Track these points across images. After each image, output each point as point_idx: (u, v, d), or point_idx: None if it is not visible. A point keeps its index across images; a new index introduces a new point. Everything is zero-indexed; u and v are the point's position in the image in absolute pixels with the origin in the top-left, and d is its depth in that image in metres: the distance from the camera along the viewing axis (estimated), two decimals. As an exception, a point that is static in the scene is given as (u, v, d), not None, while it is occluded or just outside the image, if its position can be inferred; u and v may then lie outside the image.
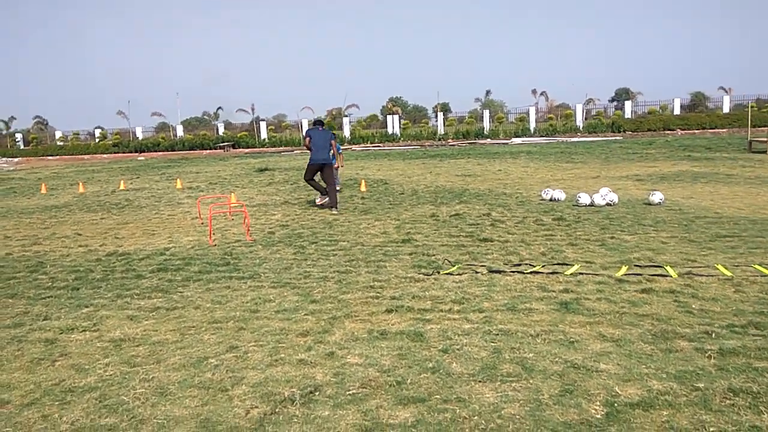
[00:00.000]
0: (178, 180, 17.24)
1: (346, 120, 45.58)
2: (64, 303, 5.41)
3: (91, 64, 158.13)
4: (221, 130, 46.80)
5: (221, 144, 42.21)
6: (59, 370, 3.88)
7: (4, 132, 56.95)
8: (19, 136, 49.34)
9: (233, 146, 42.49)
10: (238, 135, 44.69)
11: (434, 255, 6.70)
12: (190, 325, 4.66)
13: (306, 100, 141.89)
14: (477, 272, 5.82)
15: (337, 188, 13.54)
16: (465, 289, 5.25)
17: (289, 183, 16.37)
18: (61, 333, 4.59)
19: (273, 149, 40.82)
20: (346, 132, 44.02)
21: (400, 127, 44.60)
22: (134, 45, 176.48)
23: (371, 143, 41.69)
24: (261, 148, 41.83)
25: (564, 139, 35.54)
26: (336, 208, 10.59)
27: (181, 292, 5.62)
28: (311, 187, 11.50)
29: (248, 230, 8.57)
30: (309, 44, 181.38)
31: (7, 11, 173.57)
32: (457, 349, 3.89)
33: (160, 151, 41.81)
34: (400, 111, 51.22)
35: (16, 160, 40.55)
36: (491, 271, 5.82)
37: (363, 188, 13.73)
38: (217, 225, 9.43)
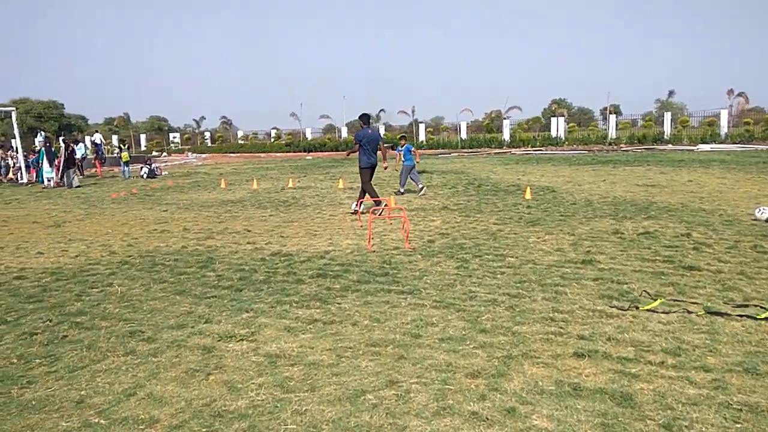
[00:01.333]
0: (341, 180, 17.56)
1: (506, 122, 44.03)
2: (227, 305, 5.32)
3: (273, 69, 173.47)
4: (382, 132, 47.94)
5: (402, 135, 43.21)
6: (212, 386, 3.62)
7: (196, 130, 64.29)
8: (207, 134, 55.30)
9: (392, 147, 43.26)
10: (398, 137, 45.42)
11: (626, 283, 5.59)
12: (347, 345, 4.21)
13: (466, 101, 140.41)
14: (690, 312, 4.65)
15: (420, 186, 14.09)
16: (678, 335, 4.15)
17: (447, 186, 15.79)
18: (219, 340, 4.41)
19: (430, 151, 40.80)
20: (506, 135, 42.52)
21: (565, 130, 41.98)
22: (309, 50, 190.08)
23: (532, 147, 39.76)
24: (418, 150, 42.03)
25: (764, 147, 30.56)
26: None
27: (338, 303, 5.24)
28: (367, 193, 11.19)
29: (407, 237, 8.09)
30: (470, 45, 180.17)
31: (198, 28, 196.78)
32: (685, 427, 2.91)
33: (326, 151, 44.01)
34: (565, 113, 48.22)
35: (203, 155, 45.33)
36: (710, 313, 4.61)
37: (528, 196, 12.66)
38: (376, 229, 9.12)
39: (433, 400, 3.30)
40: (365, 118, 11.43)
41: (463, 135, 43.72)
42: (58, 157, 20.71)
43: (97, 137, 31.03)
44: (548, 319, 4.62)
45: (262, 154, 44.67)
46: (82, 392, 3.58)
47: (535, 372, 3.63)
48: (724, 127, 37.36)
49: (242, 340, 4.41)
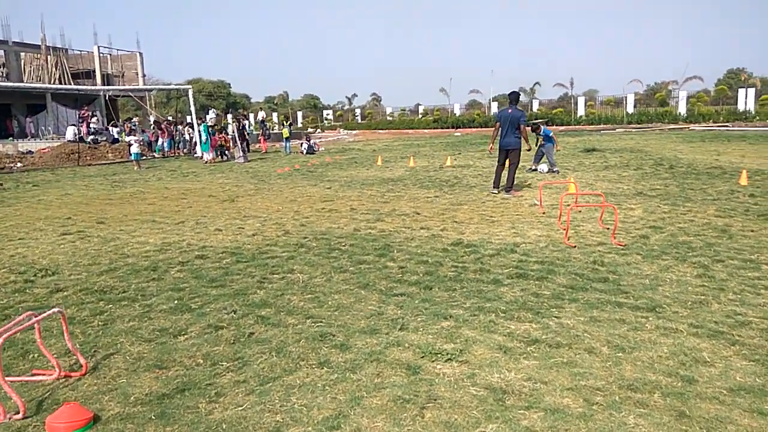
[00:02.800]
0: (504, 158, 16.27)
1: (682, 94, 39.07)
2: (419, 307, 4.56)
3: (422, 44, 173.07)
4: (535, 107, 45.26)
5: (534, 121, 40.74)
6: (431, 428, 2.83)
7: (347, 107, 66.08)
8: (358, 111, 56.46)
9: (547, 123, 40.65)
10: (553, 111, 42.52)
11: None
12: (592, 385, 3.20)
13: (635, 72, 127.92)
14: None
15: (555, 169, 13.76)
16: None
17: (630, 167, 13.86)
18: (423, 357, 3.63)
19: (591, 127, 37.54)
20: (682, 108, 37.75)
21: (755, 103, 36.18)
22: (455, 26, 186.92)
23: (714, 122, 34.82)
24: (576, 126, 38.95)
25: None
26: (509, 191, 10.35)
27: (556, 317, 4.23)
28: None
29: (614, 231, 6.78)
30: (627, 9, 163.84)
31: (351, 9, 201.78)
32: None
33: (474, 128, 42.56)
34: (758, 83, 41.67)
35: (354, 132, 46.24)
36: None
37: (744, 181, 10.49)
38: (557, 214, 7.86)
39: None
40: (514, 96, 10.76)
41: (630, 109, 39.64)
42: (221, 133, 21.83)
43: (261, 115, 32.71)
44: None
45: (410, 131, 44.38)
46: (278, 417, 2.99)
47: None
48: None
49: (450, 359, 3.59)
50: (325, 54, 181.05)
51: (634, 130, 32.94)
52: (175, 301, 4.93)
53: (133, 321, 4.48)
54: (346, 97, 71.03)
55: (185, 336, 4.16)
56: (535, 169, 14.13)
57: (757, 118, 34.49)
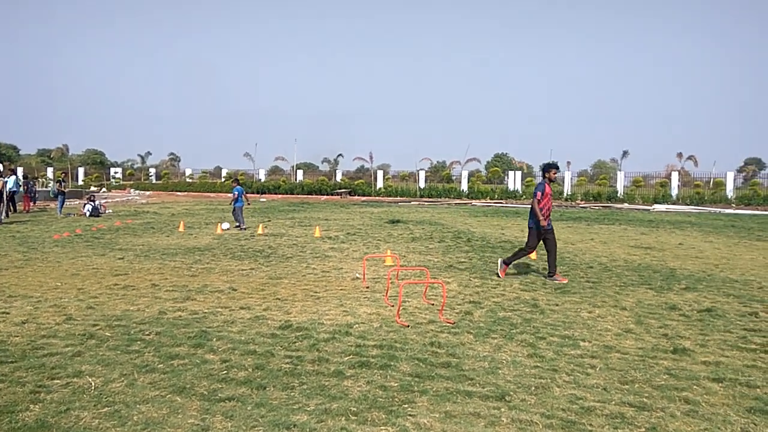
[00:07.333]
0: (317, 228, 16.09)
1: (465, 173, 43.95)
2: (253, 414, 3.80)
3: (222, 105, 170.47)
4: (339, 177, 46.88)
5: (338, 190, 42.09)
6: None
7: (136, 165, 61.07)
8: (152, 170, 52.45)
9: (349, 193, 42.29)
10: (355, 183, 44.44)
11: (759, 387, 4.47)
12: (471, 504, 2.81)
13: (424, 151, 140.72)
14: None
15: (244, 227, 16.29)
16: None
17: (434, 239, 14.65)
18: (271, 489, 2.91)
19: (388, 198, 39.98)
20: (464, 185, 42.36)
21: (522, 183, 42.23)
22: (257, 90, 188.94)
23: (491, 199, 39.66)
24: (376, 197, 41.17)
25: (715, 209, 31.43)
26: (551, 276, 9.07)
27: (411, 416, 3.83)
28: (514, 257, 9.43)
29: (443, 308, 6.78)
30: (428, 94, 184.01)
31: (148, 59, 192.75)
32: None
33: (279, 194, 42.35)
34: (525, 167, 48.89)
35: (147, 193, 42.64)
36: None
37: (533, 256, 11.66)
38: (381, 288, 7.73)
39: None
40: (554, 168, 9.24)
41: (422, 184, 43.24)
42: None
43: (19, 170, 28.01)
44: (720, 451, 3.40)
45: (212, 194, 42.47)
46: None
47: None
48: (674, 189, 38.52)
49: (304, 488, 2.92)
50: (114, 105, 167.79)
51: (426, 203, 35.83)
52: None
53: None
54: (139, 155, 65.76)
55: None
56: (238, 227, 16.41)
57: (524, 196, 40.13)
